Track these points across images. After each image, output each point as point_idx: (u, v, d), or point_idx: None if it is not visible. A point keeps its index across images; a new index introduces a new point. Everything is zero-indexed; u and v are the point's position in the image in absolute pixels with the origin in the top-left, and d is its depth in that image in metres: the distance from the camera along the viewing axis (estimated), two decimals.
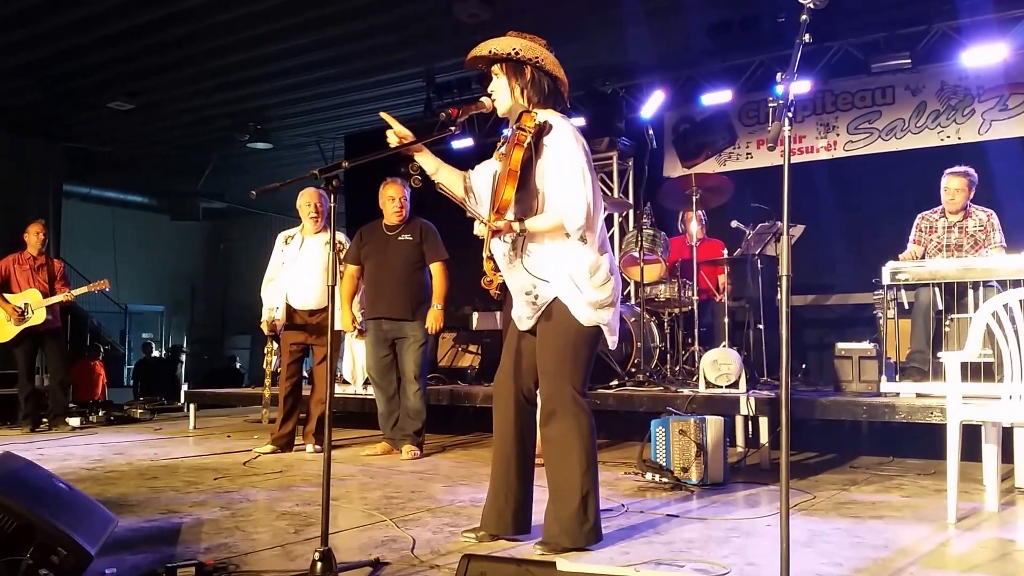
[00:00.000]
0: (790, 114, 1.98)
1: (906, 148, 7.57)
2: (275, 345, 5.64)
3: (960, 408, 3.22)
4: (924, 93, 7.56)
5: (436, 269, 5.22)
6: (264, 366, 5.73)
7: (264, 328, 5.49)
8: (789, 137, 2.00)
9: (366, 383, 6.32)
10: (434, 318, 5.16)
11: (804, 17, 2.08)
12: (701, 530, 3.11)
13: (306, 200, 5.50)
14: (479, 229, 2.75)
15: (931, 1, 7.20)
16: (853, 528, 3.14)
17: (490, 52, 2.83)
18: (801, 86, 7.73)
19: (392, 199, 5.25)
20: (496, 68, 2.87)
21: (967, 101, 7.37)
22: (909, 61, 7.30)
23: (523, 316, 2.87)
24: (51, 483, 2.61)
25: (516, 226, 2.71)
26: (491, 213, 2.70)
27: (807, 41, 2.04)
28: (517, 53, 2.80)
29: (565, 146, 2.74)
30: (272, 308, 5.48)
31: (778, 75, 2.05)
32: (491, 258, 2.66)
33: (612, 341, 2.86)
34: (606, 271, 2.78)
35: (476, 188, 2.91)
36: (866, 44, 7.51)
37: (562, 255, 2.75)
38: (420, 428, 5.22)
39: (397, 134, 2.82)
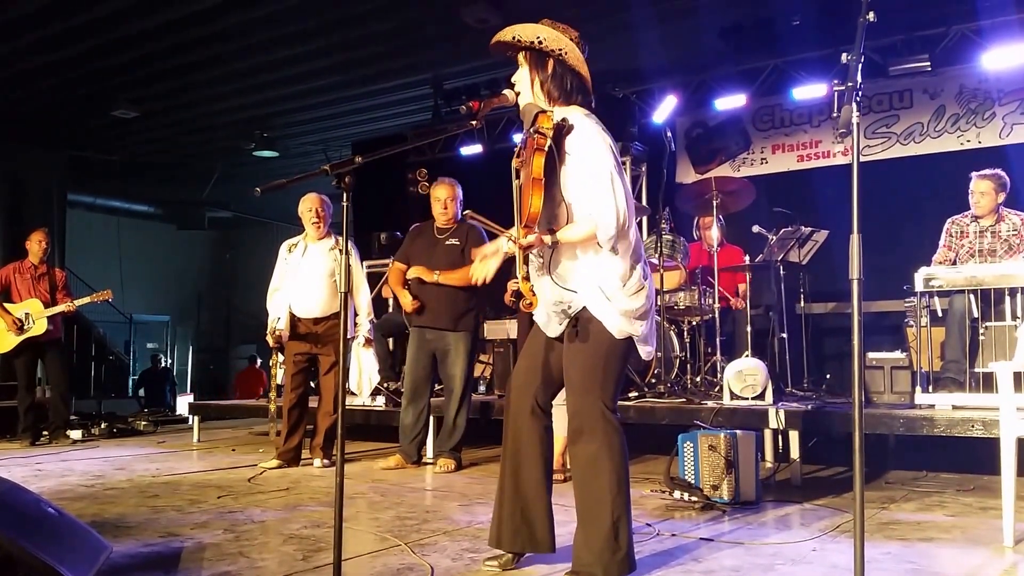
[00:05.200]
0: (858, 98, 1.78)
1: (925, 152, 7.41)
2: (281, 357, 5.46)
3: (1016, 422, 3.01)
4: (943, 96, 7.39)
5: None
6: (271, 379, 5.56)
7: (269, 340, 5.32)
8: (857, 128, 1.80)
9: (373, 394, 6.15)
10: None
11: None
12: (742, 556, 2.90)
13: (307, 206, 5.33)
14: (507, 247, 2.54)
15: (950, 3, 7.02)
16: (903, 552, 2.93)
17: (514, 38, 2.61)
18: (816, 90, 7.57)
19: (438, 200, 5.07)
20: (520, 57, 2.66)
21: (987, 104, 7.20)
22: (928, 64, 7.12)
23: (551, 324, 2.66)
24: (38, 508, 2.41)
25: (548, 239, 2.49)
26: (519, 228, 2.47)
27: (871, 20, 1.84)
28: (541, 42, 2.57)
29: (589, 148, 2.50)
30: (275, 319, 5.31)
31: (843, 56, 1.85)
32: (527, 277, 2.45)
33: (647, 352, 2.62)
34: (639, 279, 2.55)
35: None
36: (883, 47, 7.33)
37: (592, 265, 2.53)
38: (458, 443, 5.08)
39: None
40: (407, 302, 5.15)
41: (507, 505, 2.69)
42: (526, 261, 2.52)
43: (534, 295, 2.44)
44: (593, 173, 2.48)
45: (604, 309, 2.52)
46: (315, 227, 5.31)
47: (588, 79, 2.64)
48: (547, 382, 2.70)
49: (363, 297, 5.41)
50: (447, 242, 5.05)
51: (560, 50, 2.57)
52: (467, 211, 2.60)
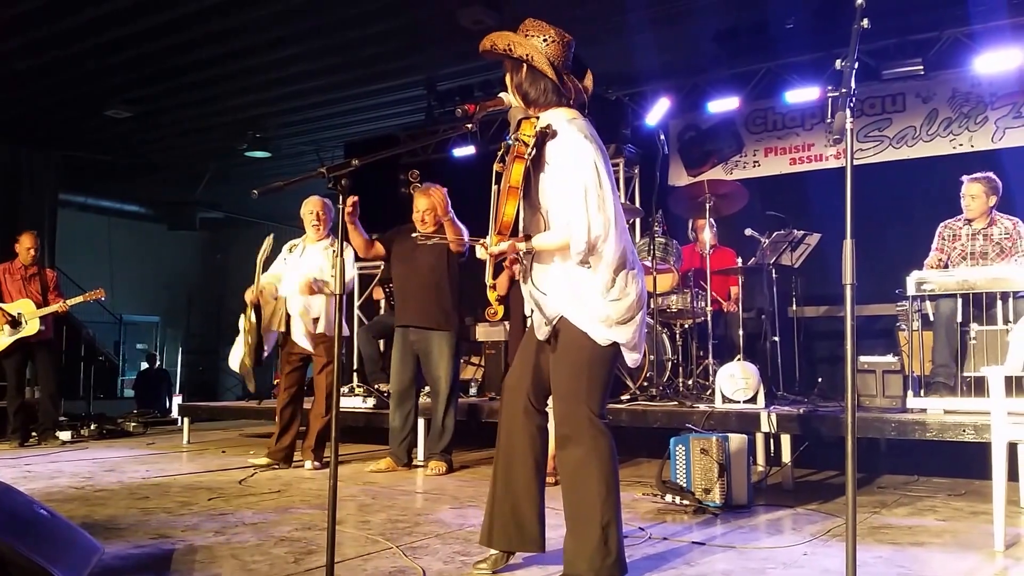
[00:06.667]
0: (852, 103, 1.78)
1: (917, 156, 7.43)
2: (254, 317, 5.29)
3: (1007, 427, 3.02)
4: (935, 100, 7.41)
5: (453, 240, 4.82)
6: (243, 337, 5.37)
7: (248, 296, 5.24)
8: (850, 131, 1.80)
9: (365, 396, 6.17)
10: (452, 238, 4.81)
11: (860, 2, 1.88)
12: (734, 560, 2.90)
13: (309, 208, 5.40)
14: (480, 253, 2.54)
15: (943, 7, 7.03)
16: (894, 556, 2.94)
17: (491, 46, 2.60)
18: (809, 94, 7.59)
19: (417, 211, 5.07)
20: (506, 62, 2.65)
21: (980, 108, 7.22)
22: (921, 68, 7.14)
23: (539, 326, 2.64)
24: (31, 510, 2.40)
25: (522, 246, 2.48)
26: (493, 235, 2.47)
27: (865, 27, 1.84)
28: (510, 49, 2.56)
29: (568, 159, 2.47)
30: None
31: (838, 62, 1.85)
32: (494, 287, 2.45)
33: (633, 359, 2.58)
34: (620, 287, 2.50)
35: None
36: (876, 50, 7.35)
37: (569, 273, 2.51)
38: (448, 445, 5.08)
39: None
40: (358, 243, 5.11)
41: (498, 503, 2.68)
42: (498, 267, 2.52)
43: (500, 304, 2.45)
44: (568, 186, 2.46)
45: (581, 316, 2.50)
46: (315, 229, 5.37)
47: (556, 79, 2.56)
48: (540, 382, 2.68)
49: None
50: (429, 241, 5.04)
51: (527, 55, 2.55)
52: (416, 235, 2.61)
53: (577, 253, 2.44)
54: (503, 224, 2.45)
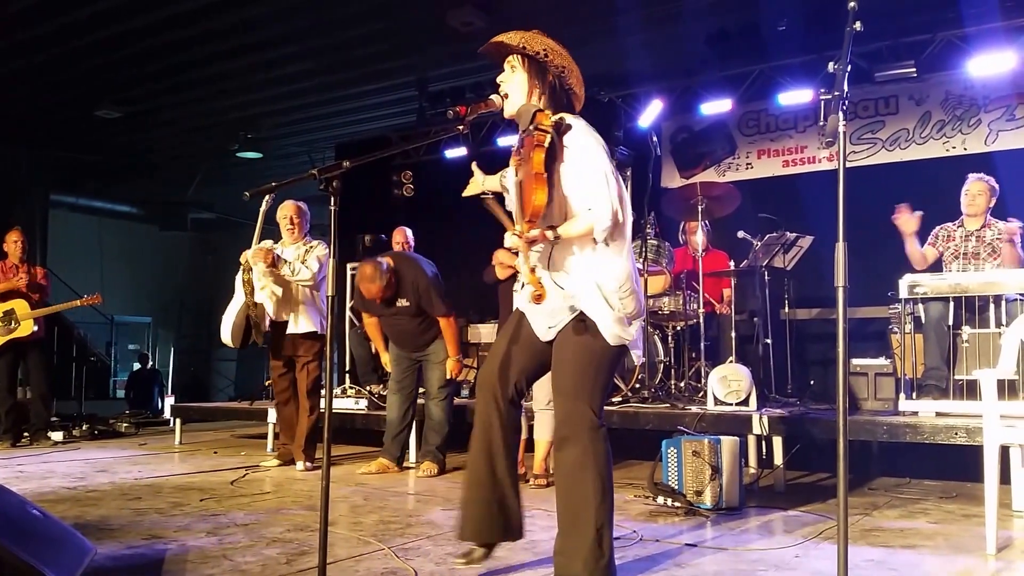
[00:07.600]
0: (845, 106, 1.78)
1: (911, 159, 7.43)
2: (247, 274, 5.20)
3: (999, 430, 3.03)
4: (929, 103, 7.43)
5: (444, 325, 5.01)
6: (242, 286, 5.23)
7: (255, 256, 5.07)
8: (844, 134, 1.80)
9: (356, 397, 6.17)
10: (452, 368, 5.05)
11: (852, 4, 1.89)
12: (725, 562, 2.91)
13: (283, 213, 5.45)
14: (512, 241, 2.55)
15: (936, 9, 7.06)
16: (886, 559, 2.94)
17: (519, 44, 2.63)
18: (802, 96, 7.60)
19: (368, 291, 4.87)
20: (514, 61, 2.67)
21: (973, 111, 7.23)
22: (914, 70, 7.15)
23: (543, 326, 2.65)
24: (23, 510, 2.39)
25: (550, 234, 2.49)
26: (523, 223, 2.49)
27: (858, 29, 1.84)
28: (546, 55, 2.62)
29: (585, 146, 2.54)
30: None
31: (830, 65, 1.85)
32: (534, 269, 2.48)
33: (637, 356, 2.63)
34: (632, 281, 2.57)
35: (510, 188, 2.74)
36: (869, 53, 7.36)
37: (591, 265, 2.53)
38: (442, 443, 5.08)
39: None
40: (387, 360, 5.32)
41: (485, 497, 2.69)
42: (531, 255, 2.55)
43: (543, 287, 2.45)
44: (588, 168, 2.51)
45: (603, 314, 2.52)
46: (289, 233, 5.42)
47: (582, 97, 2.70)
48: (522, 369, 2.71)
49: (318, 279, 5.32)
50: (397, 304, 4.99)
51: (563, 67, 2.64)
52: (486, 196, 2.63)
53: (603, 230, 2.47)
54: (534, 210, 2.45)
